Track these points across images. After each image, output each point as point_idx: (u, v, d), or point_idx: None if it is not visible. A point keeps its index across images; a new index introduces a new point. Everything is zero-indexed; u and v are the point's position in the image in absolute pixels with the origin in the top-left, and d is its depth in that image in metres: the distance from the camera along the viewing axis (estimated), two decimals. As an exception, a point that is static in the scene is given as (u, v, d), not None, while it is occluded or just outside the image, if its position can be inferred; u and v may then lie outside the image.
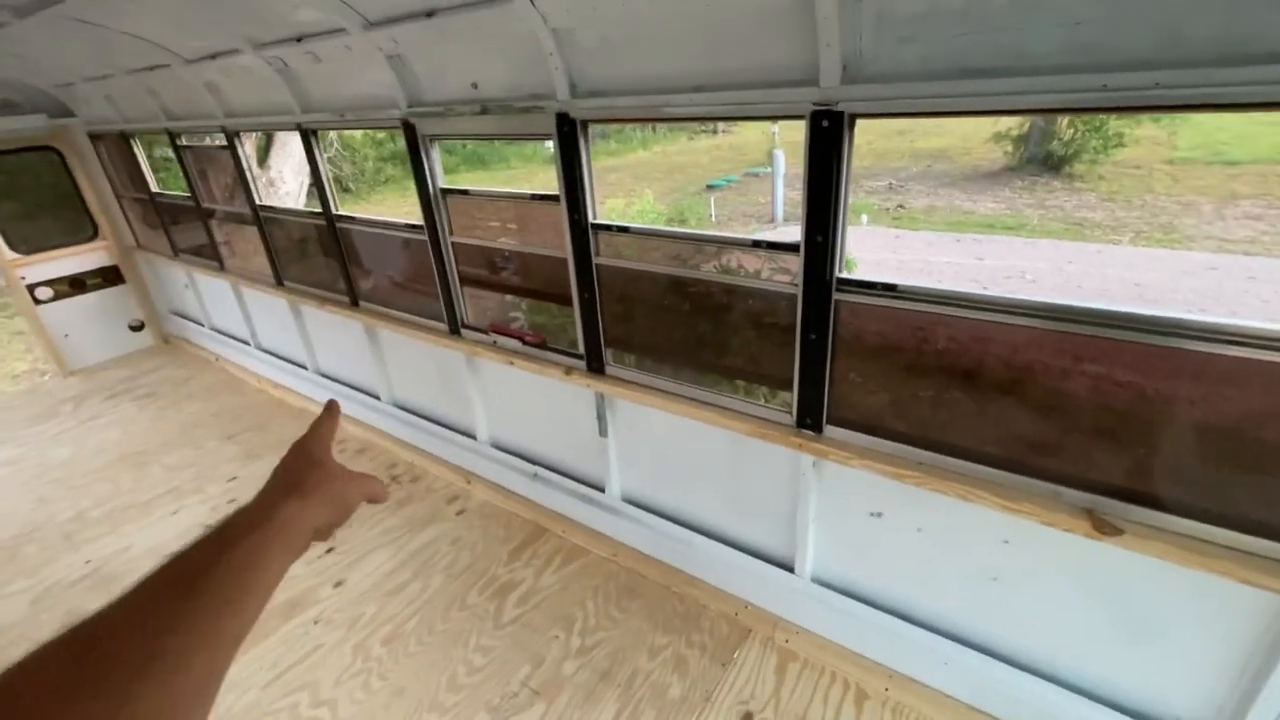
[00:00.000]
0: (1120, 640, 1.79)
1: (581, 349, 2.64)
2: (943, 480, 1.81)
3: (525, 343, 2.86)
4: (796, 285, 1.91)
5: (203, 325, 5.70)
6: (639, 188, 18.46)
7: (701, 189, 19.10)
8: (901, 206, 15.80)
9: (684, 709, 2.26)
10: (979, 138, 17.82)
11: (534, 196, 2.55)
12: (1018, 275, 10.45)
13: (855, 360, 1.95)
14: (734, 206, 17.19)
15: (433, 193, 2.86)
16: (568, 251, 2.46)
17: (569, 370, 2.69)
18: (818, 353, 1.96)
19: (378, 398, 4.07)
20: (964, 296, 1.68)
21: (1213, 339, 1.41)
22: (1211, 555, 1.50)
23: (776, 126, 19.33)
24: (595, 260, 2.41)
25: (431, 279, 3.12)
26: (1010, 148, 17.18)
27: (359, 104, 2.99)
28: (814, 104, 1.66)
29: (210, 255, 4.89)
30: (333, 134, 16.31)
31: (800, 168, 1.77)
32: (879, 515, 2.14)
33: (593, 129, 2.24)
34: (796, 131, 1.80)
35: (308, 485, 0.66)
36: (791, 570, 2.42)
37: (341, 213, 3.53)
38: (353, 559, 3.11)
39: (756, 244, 2.00)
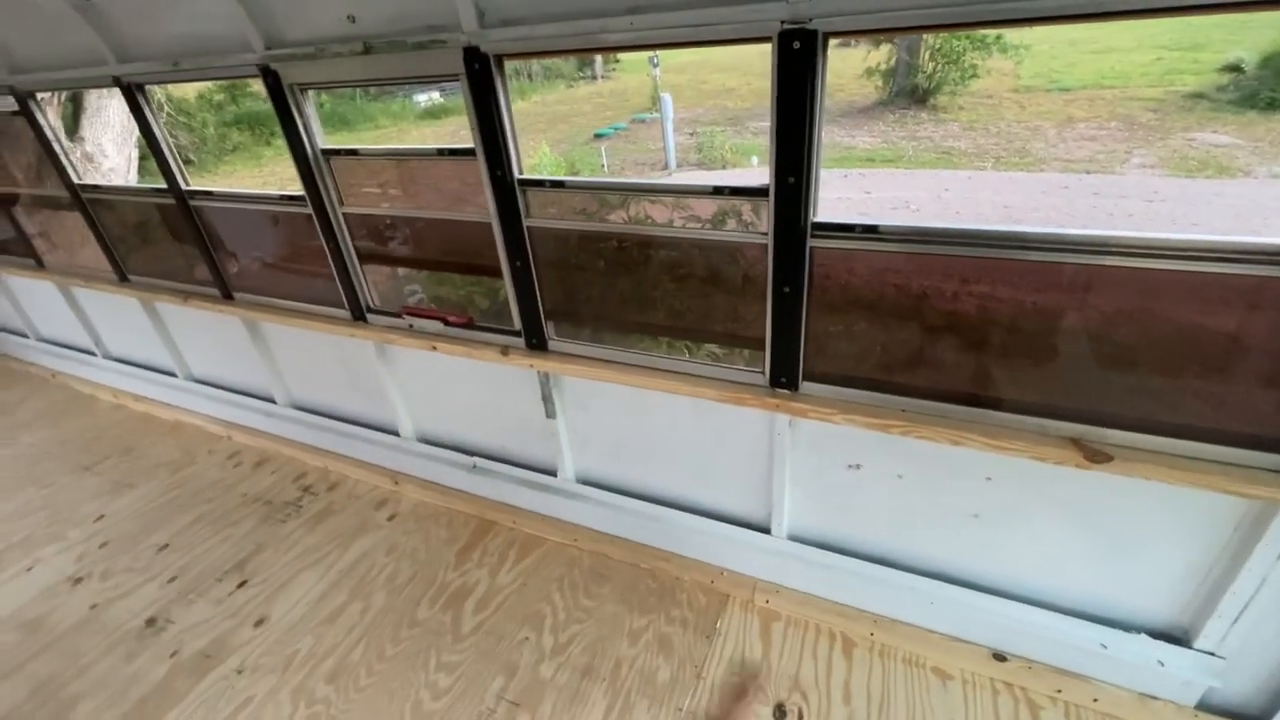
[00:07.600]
0: (1097, 557, 1.84)
1: (518, 324, 2.34)
2: (930, 427, 1.75)
3: (449, 323, 2.51)
4: (766, 234, 1.74)
5: (28, 337, 4.72)
6: (525, 141, 17.52)
7: (589, 139, 18.42)
8: (789, 146, 16.05)
9: (677, 691, 2.15)
10: (851, 74, 18.34)
11: (443, 152, 2.17)
12: (902, 205, 10.97)
13: (833, 311, 1.82)
14: (625, 155, 16.73)
15: (312, 155, 2.38)
16: (492, 214, 2.13)
17: (506, 350, 2.39)
18: (792, 307, 1.81)
19: (273, 400, 3.54)
20: (952, 233, 1.57)
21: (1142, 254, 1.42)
22: (1189, 469, 1.54)
23: (659, 69, 18.86)
24: (526, 223, 2.11)
25: (323, 259, 2.65)
26: (880, 82, 17.87)
27: (197, 47, 2.40)
28: (783, 22, 1.45)
29: (22, 251, 3.98)
30: (159, 93, 14.01)
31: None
32: (858, 467, 2.07)
33: (508, 66, 1.89)
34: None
35: None
36: (768, 532, 2.34)
37: (195, 188, 2.92)
38: (272, 589, 2.70)
39: (718, 190, 1.79)
